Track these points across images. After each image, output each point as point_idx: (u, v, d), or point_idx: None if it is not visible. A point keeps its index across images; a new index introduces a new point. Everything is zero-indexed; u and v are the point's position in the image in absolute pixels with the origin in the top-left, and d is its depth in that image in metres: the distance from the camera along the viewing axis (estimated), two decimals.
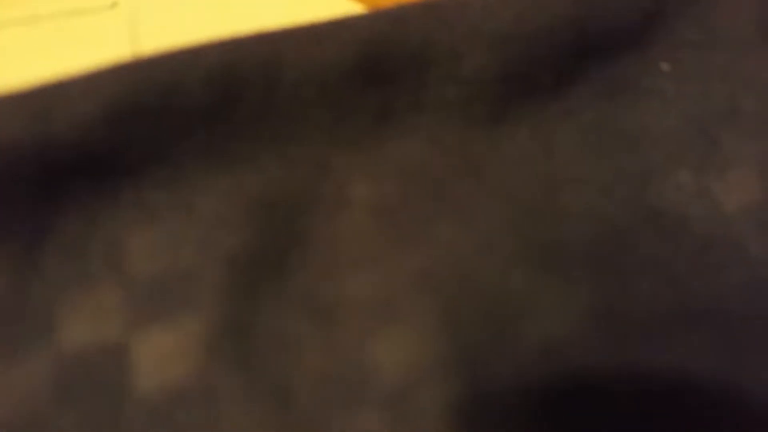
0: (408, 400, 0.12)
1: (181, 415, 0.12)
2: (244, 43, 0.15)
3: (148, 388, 0.12)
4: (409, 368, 0.12)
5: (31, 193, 0.13)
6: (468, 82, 0.17)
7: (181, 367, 0.12)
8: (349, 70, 0.16)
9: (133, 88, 0.14)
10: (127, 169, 0.14)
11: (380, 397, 0.12)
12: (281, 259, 0.14)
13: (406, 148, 0.16)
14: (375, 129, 0.16)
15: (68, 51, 0.20)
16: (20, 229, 0.14)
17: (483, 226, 0.14)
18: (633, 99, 0.18)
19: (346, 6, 0.21)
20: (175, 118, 0.14)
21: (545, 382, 0.12)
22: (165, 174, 0.14)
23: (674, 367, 0.13)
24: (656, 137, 0.17)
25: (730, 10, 0.19)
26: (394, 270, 0.14)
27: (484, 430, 0.12)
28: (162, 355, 0.12)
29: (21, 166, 0.14)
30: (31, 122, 0.13)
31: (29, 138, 0.13)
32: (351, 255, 0.14)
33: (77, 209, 0.14)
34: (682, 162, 0.16)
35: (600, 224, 0.15)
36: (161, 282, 0.13)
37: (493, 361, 0.13)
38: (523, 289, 0.14)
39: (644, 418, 0.13)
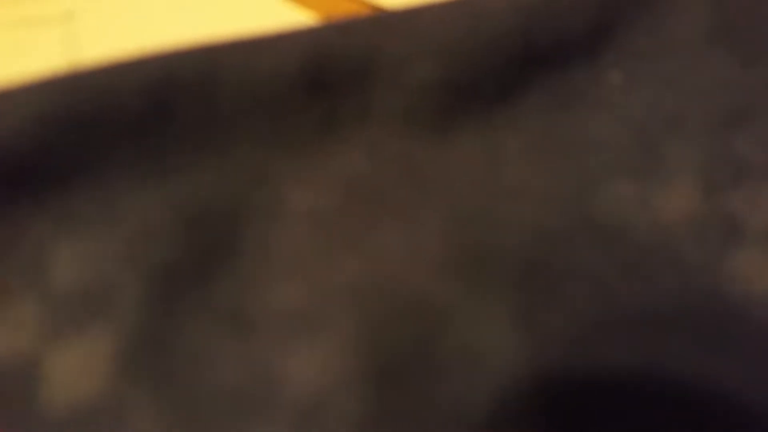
0: (321, 414, 0.12)
1: (91, 430, 0.11)
2: (182, 54, 0.15)
3: (58, 403, 0.12)
4: (325, 381, 0.12)
5: None
6: (413, 92, 0.17)
7: (93, 382, 0.12)
8: (290, 81, 0.16)
9: (64, 99, 0.14)
10: (54, 179, 0.14)
11: (293, 411, 0.12)
12: (208, 271, 0.14)
13: (349, 158, 0.15)
14: (318, 139, 0.16)
15: (20, 60, 0.20)
16: None
17: (420, 236, 0.14)
18: (580, 109, 0.18)
19: (298, 17, 0.21)
20: (107, 129, 0.14)
21: (465, 395, 0.12)
22: (93, 185, 0.14)
23: (604, 375, 0.13)
24: (601, 147, 0.17)
25: (683, 18, 0.19)
26: (324, 281, 0.13)
27: None
28: (74, 370, 0.12)
29: None
30: None
31: None
32: (281, 266, 0.14)
33: (0, 218, 0.13)
34: (624, 172, 0.16)
35: (537, 234, 0.15)
36: (81, 294, 0.13)
37: (413, 372, 0.12)
38: (451, 299, 0.13)
39: (572, 425, 0.12)
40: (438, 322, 0.13)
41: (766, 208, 0.14)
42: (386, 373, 0.12)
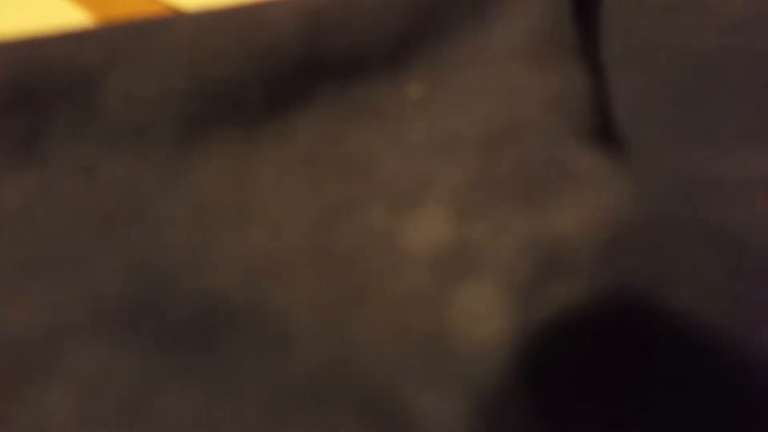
0: None
1: None
2: None
3: None
4: None
5: None
6: (150, 104, 0.15)
7: None
8: None
9: None
10: None
11: None
12: None
13: (46, 184, 0.13)
14: (9, 160, 0.14)
15: None
16: None
17: (83, 281, 0.12)
18: (363, 126, 0.16)
19: (72, 14, 0.19)
20: None
21: None
22: None
23: None
24: (370, 169, 0.15)
25: (512, 25, 0.17)
26: None
27: None
28: None
29: None
30: None
31: None
32: None
33: None
34: (380, 197, 0.14)
35: (250, 272, 0.13)
36: None
37: None
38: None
39: None
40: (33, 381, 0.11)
41: (511, 238, 0.12)
42: None
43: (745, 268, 0.12)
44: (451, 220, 0.13)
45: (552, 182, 0.12)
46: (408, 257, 0.13)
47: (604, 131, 0.14)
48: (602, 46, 0.18)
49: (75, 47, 0.14)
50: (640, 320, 0.11)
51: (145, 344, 0.12)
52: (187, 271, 0.13)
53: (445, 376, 0.11)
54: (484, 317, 0.11)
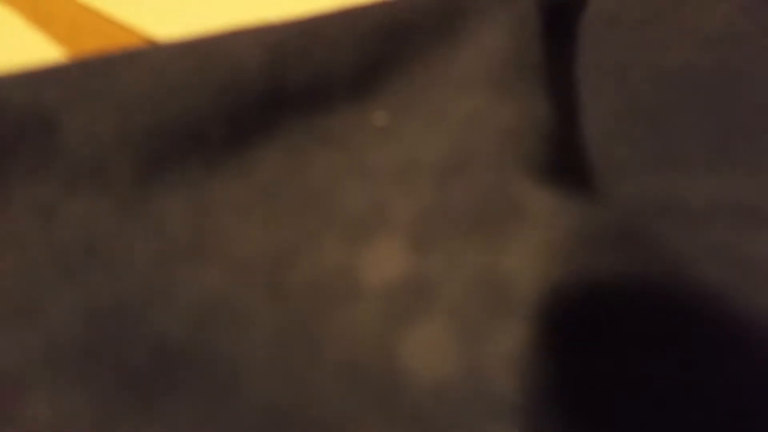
0: None
1: None
2: None
3: None
4: None
5: None
6: (109, 142, 0.15)
7: None
8: None
9: None
10: None
11: None
12: None
13: (5, 226, 0.13)
14: None
15: None
16: None
17: (41, 323, 0.12)
18: (327, 155, 0.16)
19: (47, 50, 0.19)
20: None
21: None
22: None
23: None
24: (330, 199, 0.15)
25: (476, 52, 0.17)
26: None
27: None
28: None
29: None
30: None
31: None
32: None
33: None
34: (337, 229, 0.14)
35: (197, 318, 0.12)
36: None
37: None
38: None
39: None
40: None
41: (461, 274, 0.12)
42: None
43: (698, 299, 0.11)
44: (405, 252, 0.13)
45: (501, 217, 0.12)
46: (362, 293, 0.13)
47: (560, 162, 0.14)
48: (576, 61, 0.18)
49: (33, 88, 0.14)
50: (588, 358, 0.11)
51: (102, 386, 0.12)
52: (144, 311, 0.13)
53: (395, 414, 0.11)
54: (434, 355, 0.11)
